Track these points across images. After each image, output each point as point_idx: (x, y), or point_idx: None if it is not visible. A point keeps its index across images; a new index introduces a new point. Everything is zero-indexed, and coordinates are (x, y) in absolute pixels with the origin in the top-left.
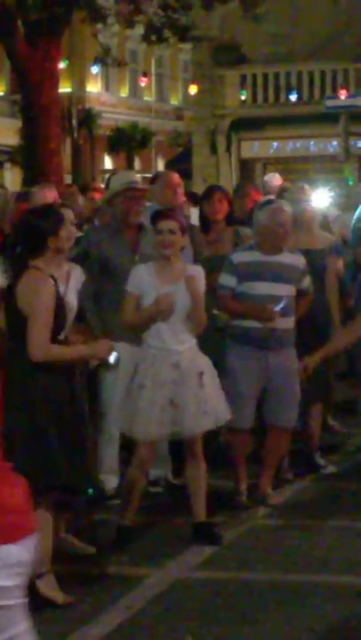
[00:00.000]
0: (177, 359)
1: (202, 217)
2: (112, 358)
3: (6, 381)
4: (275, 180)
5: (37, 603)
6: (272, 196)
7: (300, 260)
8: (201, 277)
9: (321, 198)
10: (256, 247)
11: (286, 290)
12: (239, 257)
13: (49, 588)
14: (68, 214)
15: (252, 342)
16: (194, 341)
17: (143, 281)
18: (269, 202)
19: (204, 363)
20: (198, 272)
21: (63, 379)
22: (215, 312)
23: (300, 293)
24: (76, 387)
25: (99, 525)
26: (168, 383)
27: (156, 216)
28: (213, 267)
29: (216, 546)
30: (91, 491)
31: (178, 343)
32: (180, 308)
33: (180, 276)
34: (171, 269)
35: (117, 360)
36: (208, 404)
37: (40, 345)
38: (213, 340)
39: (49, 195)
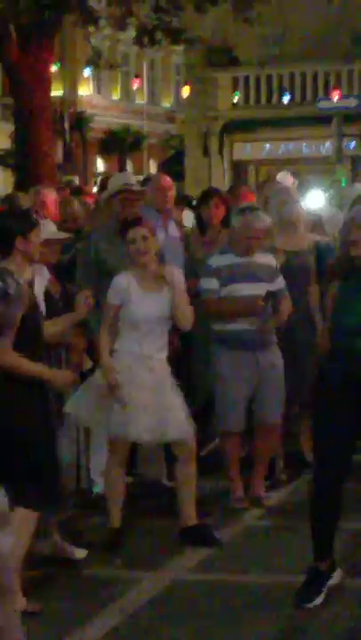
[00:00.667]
0: (152, 365)
1: (199, 219)
2: None
3: None
4: (287, 179)
5: None
6: (253, 203)
7: (271, 260)
8: (179, 275)
9: (315, 199)
10: (229, 249)
11: (263, 288)
12: (217, 260)
13: None
14: (50, 227)
15: (242, 345)
16: (166, 350)
17: (124, 290)
18: (249, 209)
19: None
20: (176, 270)
21: (29, 386)
22: None
23: (277, 295)
24: (45, 393)
25: (93, 528)
26: (145, 388)
27: (125, 225)
28: None
29: (214, 547)
30: (96, 489)
31: (155, 350)
32: (161, 314)
33: (160, 280)
34: (150, 275)
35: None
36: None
37: None
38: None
39: (49, 195)
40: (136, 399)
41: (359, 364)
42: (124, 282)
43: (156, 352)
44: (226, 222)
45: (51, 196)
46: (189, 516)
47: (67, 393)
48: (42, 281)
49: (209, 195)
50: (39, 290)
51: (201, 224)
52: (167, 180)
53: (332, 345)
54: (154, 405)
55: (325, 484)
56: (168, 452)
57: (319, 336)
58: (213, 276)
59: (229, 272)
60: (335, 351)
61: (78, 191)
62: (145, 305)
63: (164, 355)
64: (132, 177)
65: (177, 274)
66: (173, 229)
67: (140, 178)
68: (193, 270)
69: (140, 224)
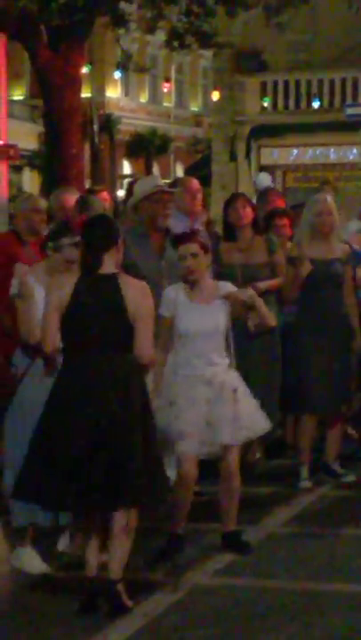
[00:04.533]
0: (209, 377)
1: (225, 224)
2: None
3: None
4: (266, 180)
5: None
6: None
7: None
8: (234, 289)
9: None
10: None
11: None
12: None
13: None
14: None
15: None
16: (226, 361)
17: (174, 303)
18: None
19: (237, 379)
20: (230, 287)
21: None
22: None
23: None
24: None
25: None
26: (202, 402)
27: (177, 240)
28: (246, 275)
29: (245, 554)
30: None
31: (209, 366)
32: (213, 329)
33: (213, 294)
34: (201, 288)
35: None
36: (244, 420)
37: None
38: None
39: (70, 198)
40: (191, 414)
41: None
42: (173, 294)
43: (210, 366)
44: (257, 228)
45: (71, 201)
46: (225, 523)
47: None
48: None
49: (234, 197)
50: None
51: (228, 229)
52: (196, 182)
53: None
54: (210, 421)
55: None
56: None
57: None
58: None
59: None
60: None
61: (92, 193)
62: (193, 318)
63: (220, 367)
64: (160, 178)
65: (234, 289)
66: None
67: (167, 181)
68: (229, 275)
69: (191, 240)
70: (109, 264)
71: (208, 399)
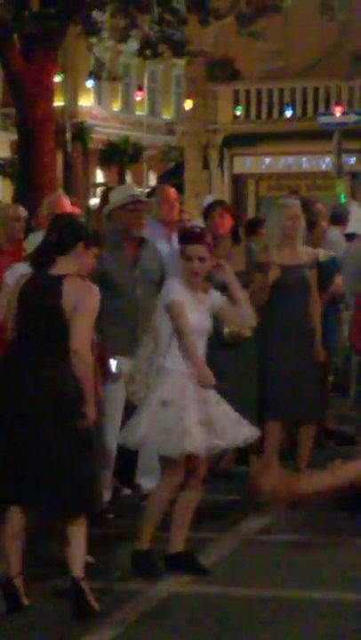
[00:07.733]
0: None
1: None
2: (114, 367)
3: None
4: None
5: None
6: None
7: None
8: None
9: None
10: None
11: None
12: None
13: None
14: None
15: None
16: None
17: (183, 293)
18: None
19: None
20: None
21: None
22: (225, 330)
23: None
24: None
25: (90, 540)
26: (196, 401)
27: (185, 239)
28: (222, 285)
29: (201, 574)
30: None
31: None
32: (205, 330)
33: (206, 297)
34: (198, 292)
35: (120, 370)
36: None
37: None
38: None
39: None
40: (188, 414)
41: None
42: (180, 286)
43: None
44: (236, 238)
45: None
46: (177, 541)
47: None
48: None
49: (212, 205)
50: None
51: None
52: (173, 191)
53: None
54: (205, 419)
55: None
56: None
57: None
58: None
59: None
60: None
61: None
62: (194, 316)
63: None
64: (135, 188)
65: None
66: (177, 242)
67: (140, 190)
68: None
69: (200, 242)
70: (64, 267)
71: (199, 399)
